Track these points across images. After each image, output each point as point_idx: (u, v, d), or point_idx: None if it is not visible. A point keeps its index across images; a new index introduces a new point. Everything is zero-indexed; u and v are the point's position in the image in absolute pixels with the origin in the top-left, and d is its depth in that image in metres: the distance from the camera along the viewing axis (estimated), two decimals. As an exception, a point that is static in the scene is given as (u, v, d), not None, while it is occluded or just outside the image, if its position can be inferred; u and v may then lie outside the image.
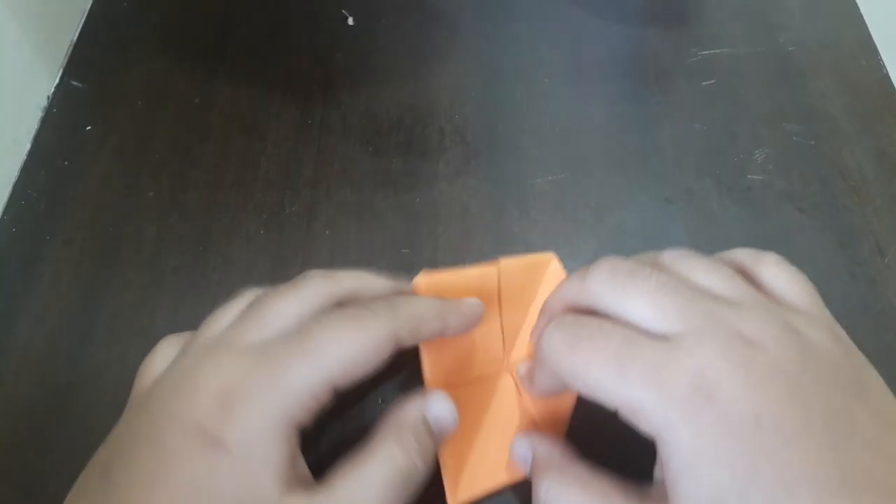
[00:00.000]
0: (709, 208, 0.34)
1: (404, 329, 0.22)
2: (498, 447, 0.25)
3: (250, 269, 0.32)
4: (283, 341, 0.21)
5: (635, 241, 0.33)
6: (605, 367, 0.20)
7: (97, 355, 0.30)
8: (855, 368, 0.20)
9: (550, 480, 0.22)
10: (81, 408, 0.29)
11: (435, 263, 0.32)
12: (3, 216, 0.34)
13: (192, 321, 0.30)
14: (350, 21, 0.41)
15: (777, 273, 0.23)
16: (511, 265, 0.27)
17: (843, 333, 0.22)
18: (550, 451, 0.23)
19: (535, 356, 0.24)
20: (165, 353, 0.23)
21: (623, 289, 0.22)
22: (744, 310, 0.21)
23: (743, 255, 0.24)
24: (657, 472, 0.21)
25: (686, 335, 0.20)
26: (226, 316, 0.23)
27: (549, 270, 0.29)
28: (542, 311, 0.25)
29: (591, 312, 0.23)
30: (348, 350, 0.20)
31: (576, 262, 0.32)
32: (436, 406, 0.23)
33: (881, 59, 0.40)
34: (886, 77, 0.39)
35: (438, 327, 0.23)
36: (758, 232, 0.33)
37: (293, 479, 0.19)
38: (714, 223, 0.34)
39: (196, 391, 0.20)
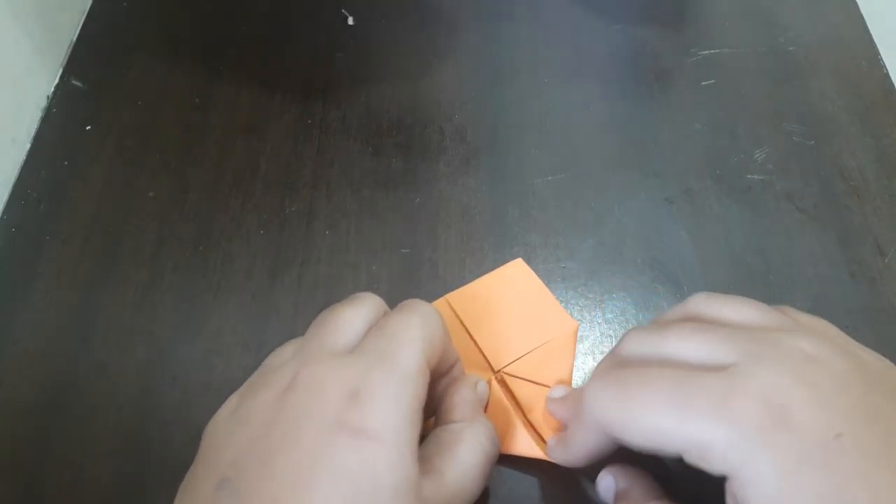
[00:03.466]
0: (709, 208, 0.34)
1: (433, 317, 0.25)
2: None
3: (250, 269, 0.32)
4: (376, 340, 0.22)
5: (635, 241, 0.33)
6: (665, 408, 0.19)
7: (97, 355, 0.30)
8: None
9: None
10: (81, 408, 0.29)
11: (435, 263, 0.32)
12: (3, 216, 0.34)
13: (191, 321, 0.31)
14: (350, 21, 0.41)
15: (800, 313, 0.23)
16: (459, 294, 0.31)
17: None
18: (630, 485, 0.23)
19: (575, 420, 0.23)
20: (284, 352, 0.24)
21: (662, 337, 0.22)
22: (795, 331, 0.20)
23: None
24: None
25: (742, 361, 0.19)
26: (353, 323, 0.24)
27: (519, 272, 0.32)
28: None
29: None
30: (424, 328, 0.23)
31: (575, 262, 0.32)
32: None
33: (881, 59, 0.40)
34: (886, 77, 0.39)
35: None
36: (758, 232, 0.33)
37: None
38: (714, 223, 0.34)
39: (323, 393, 0.20)
